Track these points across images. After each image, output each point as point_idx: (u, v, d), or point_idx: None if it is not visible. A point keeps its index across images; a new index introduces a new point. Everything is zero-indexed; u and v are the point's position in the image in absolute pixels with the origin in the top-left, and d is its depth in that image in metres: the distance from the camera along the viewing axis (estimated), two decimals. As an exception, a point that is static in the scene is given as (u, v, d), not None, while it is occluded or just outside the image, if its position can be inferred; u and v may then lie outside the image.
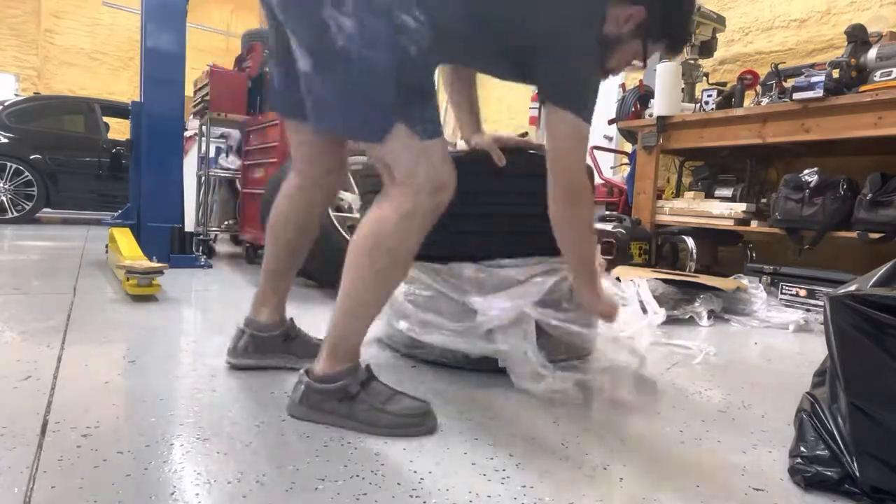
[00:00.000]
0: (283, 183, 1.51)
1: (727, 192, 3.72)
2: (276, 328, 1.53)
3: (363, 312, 1.22)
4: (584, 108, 1.27)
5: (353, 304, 1.21)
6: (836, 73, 2.89)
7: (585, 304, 1.50)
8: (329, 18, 1.11)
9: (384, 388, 1.23)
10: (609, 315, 1.49)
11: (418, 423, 1.17)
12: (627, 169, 4.41)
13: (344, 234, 2.29)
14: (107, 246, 3.38)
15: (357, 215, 2.70)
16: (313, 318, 1.77)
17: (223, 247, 4.67)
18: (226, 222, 4.40)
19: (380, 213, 1.19)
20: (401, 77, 1.14)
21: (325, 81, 1.18)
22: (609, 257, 3.42)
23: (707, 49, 3.97)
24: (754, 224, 3.30)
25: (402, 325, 1.62)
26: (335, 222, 2.32)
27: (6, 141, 6.00)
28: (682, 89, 3.84)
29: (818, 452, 1.03)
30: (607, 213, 4.10)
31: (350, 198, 2.71)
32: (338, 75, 1.15)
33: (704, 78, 4.03)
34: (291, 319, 1.57)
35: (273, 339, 1.52)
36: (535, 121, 6.20)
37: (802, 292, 2.86)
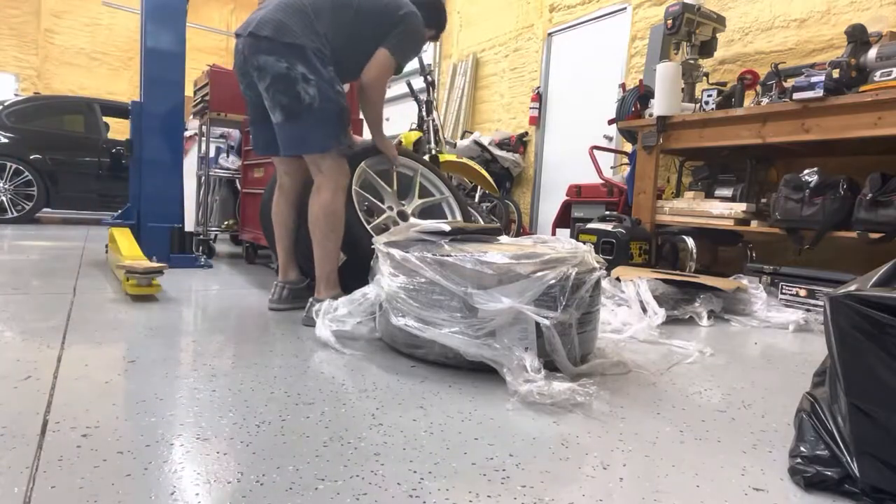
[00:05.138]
0: (275, 190, 2.36)
1: (727, 192, 3.72)
2: (303, 281, 2.37)
3: (332, 254, 2.11)
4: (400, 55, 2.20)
5: (324, 251, 2.10)
6: (836, 73, 2.89)
7: (382, 148, 2.46)
8: (301, 90, 1.97)
9: None
10: (394, 155, 2.51)
11: None
12: (627, 169, 4.41)
13: (369, 230, 2.35)
14: (107, 246, 3.39)
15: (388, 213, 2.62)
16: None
17: (223, 247, 4.67)
18: (226, 222, 4.40)
19: (321, 197, 2.08)
20: (339, 119, 2.06)
21: (293, 126, 2.04)
22: (609, 257, 3.42)
23: (707, 49, 3.97)
24: (754, 224, 3.30)
25: (401, 321, 1.62)
26: (362, 221, 2.36)
27: (6, 141, 6.00)
28: (682, 89, 3.83)
29: (818, 452, 1.03)
30: (607, 213, 4.10)
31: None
32: (302, 121, 2.02)
33: (704, 78, 4.03)
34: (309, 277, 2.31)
35: (303, 289, 2.33)
36: (534, 120, 6.22)
37: (802, 292, 2.86)
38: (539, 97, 6.17)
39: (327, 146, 2.05)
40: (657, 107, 3.70)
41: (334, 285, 2.12)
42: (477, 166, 4.28)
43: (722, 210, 3.41)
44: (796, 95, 2.95)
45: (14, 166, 5.91)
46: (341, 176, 2.10)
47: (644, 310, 2.36)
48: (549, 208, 5.78)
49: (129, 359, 1.56)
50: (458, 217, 2.82)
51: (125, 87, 10.98)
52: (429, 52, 7.80)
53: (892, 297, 0.93)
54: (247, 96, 2.21)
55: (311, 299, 2.10)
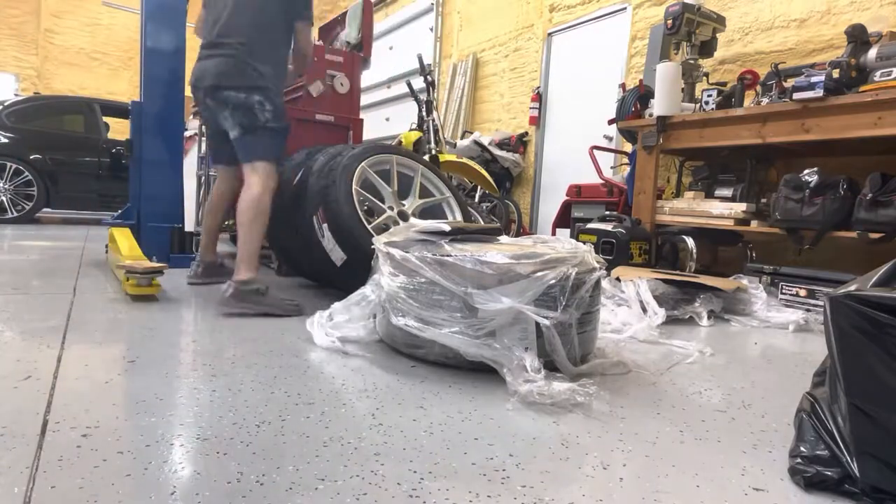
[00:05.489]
0: (214, 191, 2.82)
1: (727, 192, 3.72)
2: (218, 261, 2.86)
3: (254, 240, 2.31)
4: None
5: (248, 236, 2.31)
6: (836, 73, 2.89)
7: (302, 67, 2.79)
8: (258, 112, 2.36)
9: (276, 292, 2.32)
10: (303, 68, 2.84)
11: (298, 311, 2.22)
12: (627, 169, 4.41)
13: (370, 230, 2.34)
14: (107, 246, 3.38)
15: (389, 213, 2.61)
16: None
17: (223, 247, 4.67)
18: (226, 222, 4.39)
19: (251, 192, 2.33)
20: (283, 138, 2.46)
21: (250, 138, 2.38)
22: (609, 257, 3.42)
23: (707, 49, 3.97)
24: (754, 224, 3.30)
25: (401, 321, 1.62)
26: (362, 220, 2.35)
27: (6, 141, 5.99)
28: (682, 89, 3.83)
29: (818, 452, 1.03)
30: (607, 213, 4.11)
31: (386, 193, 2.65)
32: (257, 135, 2.38)
33: (704, 78, 4.03)
34: (223, 258, 2.89)
35: (217, 266, 2.83)
36: (534, 120, 6.22)
37: (802, 292, 2.86)
38: (539, 97, 6.17)
39: (274, 155, 2.42)
40: (657, 107, 3.70)
41: (254, 269, 2.30)
42: (477, 166, 4.28)
43: (722, 210, 3.41)
44: (796, 95, 2.95)
45: (14, 166, 5.91)
46: (271, 180, 2.40)
47: (644, 310, 2.36)
48: (549, 208, 5.78)
49: (129, 359, 1.56)
50: (458, 217, 2.81)
51: (125, 87, 11.00)
52: (429, 51, 7.80)
53: (892, 297, 0.93)
54: (204, 117, 2.68)
55: (229, 280, 2.25)
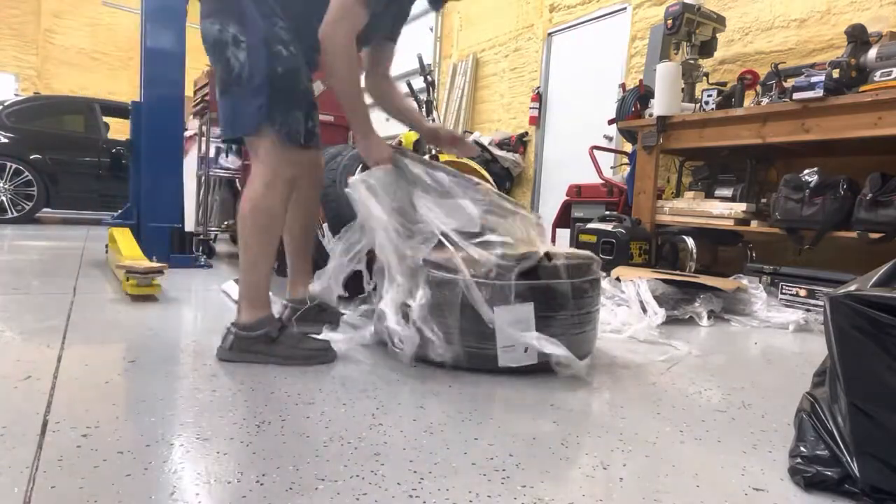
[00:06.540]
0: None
1: (727, 192, 3.72)
2: (312, 301, 1.89)
3: (258, 265, 1.61)
4: None
5: (249, 260, 1.61)
6: (836, 73, 2.89)
7: (362, 151, 1.75)
8: (230, 55, 1.58)
9: (296, 332, 1.64)
10: (383, 160, 1.70)
11: (323, 355, 1.59)
12: (627, 169, 4.41)
13: None
14: (107, 246, 3.38)
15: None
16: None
17: (223, 247, 4.67)
18: (226, 222, 4.39)
19: (251, 188, 1.62)
20: (273, 89, 1.57)
21: (224, 101, 1.65)
22: (609, 257, 3.42)
23: (707, 49, 3.97)
24: (754, 224, 3.30)
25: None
26: None
27: (6, 141, 5.99)
28: (682, 89, 3.83)
29: (818, 452, 1.03)
30: (607, 213, 4.10)
31: None
32: (231, 95, 1.62)
33: (704, 78, 4.03)
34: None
35: (310, 311, 1.88)
36: (534, 120, 6.21)
37: (802, 292, 2.86)
38: (539, 97, 6.17)
39: (253, 124, 1.60)
40: (657, 107, 3.70)
41: (262, 305, 1.61)
42: (477, 166, 4.28)
43: (722, 210, 3.40)
44: (796, 95, 2.95)
45: (14, 166, 5.91)
46: (282, 165, 1.62)
47: (644, 310, 2.36)
48: (550, 208, 5.77)
49: (129, 359, 1.56)
50: None
51: (125, 87, 10.98)
52: (429, 51, 7.80)
53: (892, 297, 0.93)
54: None
55: (228, 326, 1.61)
